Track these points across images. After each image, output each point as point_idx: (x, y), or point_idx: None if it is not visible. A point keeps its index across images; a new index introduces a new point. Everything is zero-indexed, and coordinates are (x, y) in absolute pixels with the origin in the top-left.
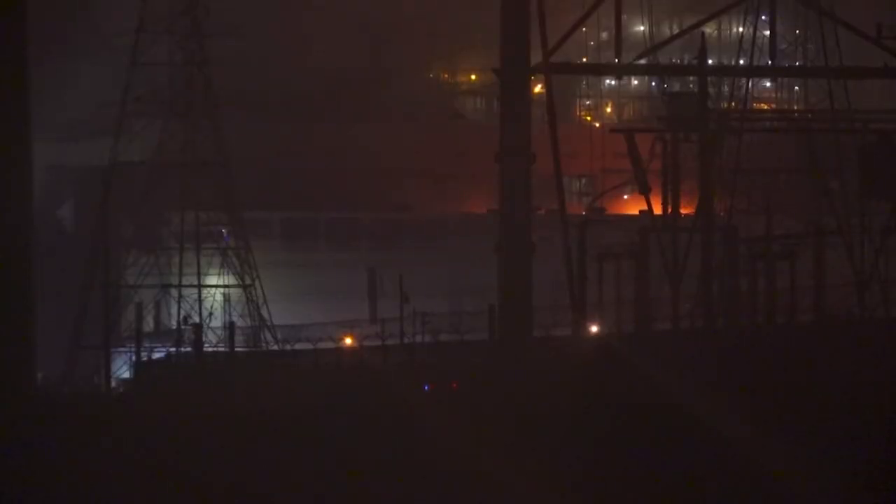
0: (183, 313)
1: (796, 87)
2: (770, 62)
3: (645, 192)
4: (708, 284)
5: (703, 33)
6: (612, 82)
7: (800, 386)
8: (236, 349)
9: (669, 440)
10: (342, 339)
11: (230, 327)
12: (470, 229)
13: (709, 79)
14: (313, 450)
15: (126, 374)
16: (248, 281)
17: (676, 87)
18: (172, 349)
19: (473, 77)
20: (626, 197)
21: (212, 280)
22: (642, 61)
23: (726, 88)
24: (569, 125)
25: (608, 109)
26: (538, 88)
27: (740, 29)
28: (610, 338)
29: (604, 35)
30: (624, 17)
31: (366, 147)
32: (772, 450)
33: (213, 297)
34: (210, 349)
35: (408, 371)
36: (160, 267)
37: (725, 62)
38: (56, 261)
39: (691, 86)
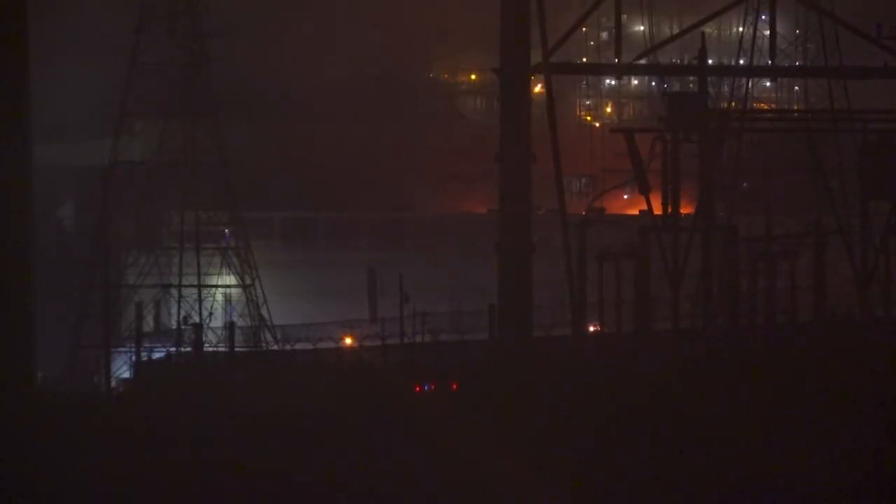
0: (183, 313)
1: (796, 87)
2: (770, 62)
3: (645, 192)
4: (708, 284)
5: (703, 33)
6: (612, 82)
7: (799, 385)
8: (236, 349)
9: (669, 439)
10: (342, 339)
11: (230, 327)
12: (470, 229)
13: (709, 79)
14: (310, 450)
15: (126, 374)
16: (248, 281)
17: (676, 87)
18: (172, 349)
19: (473, 77)
20: (626, 197)
21: (212, 280)
22: (642, 61)
23: (726, 88)
24: (569, 125)
25: (608, 109)
26: (538, 88)
27: (740, 29)
28: (610, 338)
29: (604, 35)
30: (624, 17)
31: (366, 147)
32: (771, 449)
33: (214, 297)
34: (210, 349)
35: (408, 371)
36: (160, 267)
37: (725, 62)
38: (56, 261)
39: (691, 86)
